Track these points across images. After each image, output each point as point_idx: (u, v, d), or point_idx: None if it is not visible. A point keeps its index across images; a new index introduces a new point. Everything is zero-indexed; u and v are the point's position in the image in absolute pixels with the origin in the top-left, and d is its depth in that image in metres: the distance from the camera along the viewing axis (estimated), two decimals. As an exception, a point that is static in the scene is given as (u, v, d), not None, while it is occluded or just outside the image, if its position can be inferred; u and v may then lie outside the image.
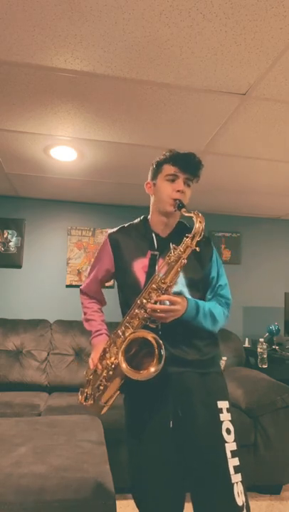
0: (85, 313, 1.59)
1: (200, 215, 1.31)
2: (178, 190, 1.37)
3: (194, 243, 1.29)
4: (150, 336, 1.21)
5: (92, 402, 1.37)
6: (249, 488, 2.38)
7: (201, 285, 1.43)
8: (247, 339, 3.70)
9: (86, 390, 1.41)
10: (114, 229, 1.54)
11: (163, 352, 1.19)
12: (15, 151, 2.56)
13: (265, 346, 3.23)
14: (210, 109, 1.98)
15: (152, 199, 1.49)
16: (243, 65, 1.63)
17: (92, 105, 1.98)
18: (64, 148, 2.50)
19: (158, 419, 1.30)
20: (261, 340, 3.27)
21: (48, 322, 3.23)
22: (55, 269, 3.59)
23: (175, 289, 1.33)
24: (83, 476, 1.38)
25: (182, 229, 1.42)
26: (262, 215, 4.03)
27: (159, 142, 2.35)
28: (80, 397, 1.42)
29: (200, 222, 1.30)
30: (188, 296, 1.36)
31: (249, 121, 2.09)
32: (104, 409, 1.35)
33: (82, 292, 1.64)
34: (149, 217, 1.51)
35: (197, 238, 1.29)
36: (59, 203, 3.66)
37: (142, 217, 1.54)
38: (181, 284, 1.36)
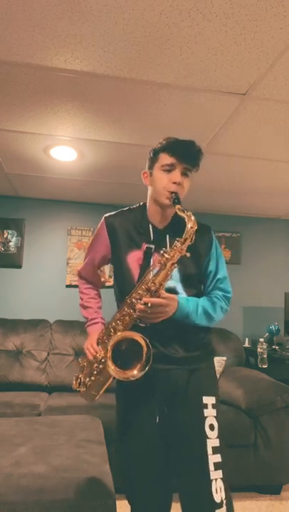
0: (81, 299, 1.57)
1: (192, 217, 1.23)
2: (174, 182, 1.30)
3: (184, 248, 1.23)
4: (142, 341, 1.19)
5: (84, 389, 1.40)
6: (249, 488, 2.39)
7: (197, 280, 1.39)
8: (247, 339, 3.70)
9: (80, 376, 1.43)
10: (112, 212, 1.47)
11: (150, 359, 1.18)
12: (15, 151, 2.56)
13: (265, 346, 3.23)
14: (210, 109, 1.98)
15: (149, 189, 1.42)
16: (243, 65, 1.63)
17: (92, 105, 1.98)
18: (64, 148, 2.50)
19: (145, 416, 1.31)
20: (261, 340, 3.27)
21: (48, 322, 3.23)
22: (55, 269, 3.59)
23: (169, 284, 1.31)
24: (83, 476, 1.38)
25: (180, 220, 1.31)
26: (262, 215, 4.02)
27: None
28: (74, 382, 1.44)
29: (192, 225, 1.22)
30: (181, 291, 1.33)
31: (249, 121, 2.09)
32: (97, 398, 1.37)
33: (79, 275, 1.60)
34: (147, 206, 1.45)
35: (188, 243, 1.23)
36: (59, 203, 3.66)
37: (141, 204, 1.48)
38: (174, 280, 1.33)
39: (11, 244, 3.54)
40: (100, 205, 3.72)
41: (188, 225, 1.23)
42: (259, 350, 3.22)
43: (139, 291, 1.26)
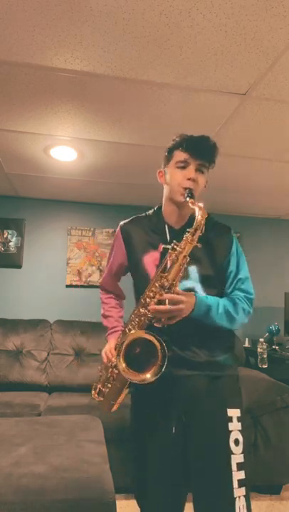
0: (103, 309, 1.56)
1: (202, 208, 1.21)
2: (189, 178, 1.27)
3: (195, 239, 1.19)
4: (155, 340, 1.13)
5: (102, 398, 1.35)
6: (249, 488, 2.39)
7: (217, 280, 1.32)
8: (247, 339, 3.70)
9: (99, 385, 1.38)
10: (127, 219, 1.46)
11: (165, 361, 1.12)
12: (15, 151, 2.56)
13: (265, 346, 3.23)
14: (210, 109, 1.98)
15: (164, 189, 1.40)
16: (243, 65, 1.63)
17: (92, 105, 1.98)
18: (64, 148, 2.50)
19: (161, 423, 1.25)
20: (261, 340, 3.27)
21: (48, 322, 3.23)
22: (55, 269, 3.59)
23: (187, 285, 1.26)
24: (83, 476, 1.38)
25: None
26: (262, 215, 4.02)
27: (159, 142, 2.35)
28: (93, 391, 1.40)
29: (201, 215, 1.19)
30: (201, 293, 1.27)
31: (249, 121, 2.09)
32: (114, 407, 1.32)
33: (101, 287, 1.60)
34: (162, 207, 1.42)
35: (198, 233, 1.19)
36: (59, 203, 3.66)
37: (156, 207, 1.45)
38: (194, 280, 1.27)
39: (11, 244, 3.54)
40: (100, 205, 3.72)
41: (198, 216, 1.20)
42: (259, 350, 3.21)
43: (153, 289, 1.21)
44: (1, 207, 3.58)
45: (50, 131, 2.27)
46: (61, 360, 3.02)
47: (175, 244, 1.20)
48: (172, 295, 1.17)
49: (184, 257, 1.19)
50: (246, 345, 3.63)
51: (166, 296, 1.17)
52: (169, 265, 1.21)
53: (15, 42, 1.54)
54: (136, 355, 1.18)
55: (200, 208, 1.21)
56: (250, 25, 1.42)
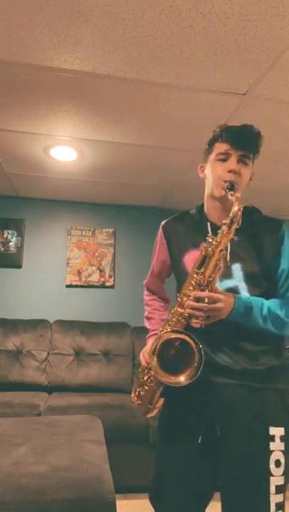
0: (146, 311, 1.50)
1: (239, 198, 1.11)
2: (230, 170, 1.17)
3: (232, 231, 1.09)
4: (191, 341, 1.06)
5: (140, 401, 1.29)
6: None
7: (263, 278, 1.19)
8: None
9: (138, 389, 1.32)
10: (169, 218, 1.39)
11: (202, 363, 1.04)
12: (15, 151, 2.56)
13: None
14: (210, 109, 1.98)
15: (205, 184, 1.30)
16: (243, 65, 1.63)
17: (92, 105, 1.98)
18: (64, 148, 2.50)
19: (187, 430, 1.16)
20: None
21: (48, 322, 3.23)
22: (55, 269, 3.59)
23: (229, 284, 1.17)
24: (83, 476, 1.37)
25: (244, 215, 1.14)
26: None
27: (159, 142, 2.35)
28: (133, 394, 1.34)
29: (238, 207, 1.09)
30: (245, 292, 1.16)
31: (249, 121, 2.08)
32: (153, 412, 1.26)
33: (145, 287, 1.54)
34: (204, 204, 1.33)
35: (235, 225, 1.09)
36: (59, 203, 3.66)
37: (199, 205, 1.35)
38: (237, 279, 1.17)
39: (11, 244, 3.54)
40: (100, 205, 3.72)
41: (235, 207, 1.10)
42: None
43: (189, 287, 1.13)
44: (1, 207, 3.58)
45: (50, 131, 2.27)
46: (61, 360, 3.02)
47: (211, 238, 1.11)
48: (209, 293, 1.08)
49: (221, 251, 1.10)
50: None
51: (203, 294, 1.08)
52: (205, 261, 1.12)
53: (15, 42, 1.54)
54: (171, 357, 1.11)
55: (237, 198, 1.11)
56: (250, 25, 1.42)
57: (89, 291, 3.58)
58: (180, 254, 1.28)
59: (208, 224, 1.25)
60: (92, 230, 3.68)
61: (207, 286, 1.09)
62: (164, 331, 1.15)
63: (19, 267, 3.54)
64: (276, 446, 1.07)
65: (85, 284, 3.58)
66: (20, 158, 2.67)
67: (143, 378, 1.29)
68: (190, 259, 1.23)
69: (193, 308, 1.08)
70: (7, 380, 2.86)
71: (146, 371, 1.27)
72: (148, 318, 1.48)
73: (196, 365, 1.05)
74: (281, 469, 1.06)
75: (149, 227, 3.73)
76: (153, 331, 1.43)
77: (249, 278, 1.17)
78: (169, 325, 1.17)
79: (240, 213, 1.09)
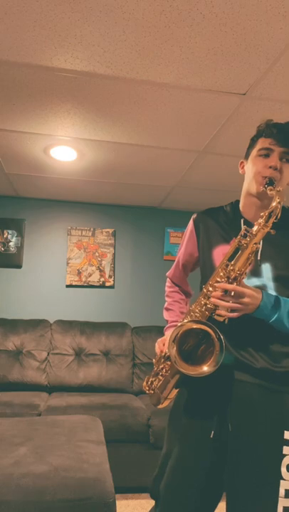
0: (166, 302, 1.48)
1: (281, 193, 1.07)
2: (270, 166, 1.14)
3: (270, 224, 1.05)
4: (209, 329, 1.04)
5: (152, 392, 1.27)
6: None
7: None
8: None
9: (151, 379, 1.30)
10: (201, 211, 1.36)
11: (223, 351, 1.03)
12: (15, 151, 2.56)
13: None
14: (210, 109, 1.98)
15: (244, 180, 1.27)
16: (243, 65, 1.63)
17: (92, 105, 1.98)
18: (64, 148, 2.50)
19: (200, 424, 1.15)
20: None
21: (48, 322, 3.23)
22: (55, 269, 3.59)
23: (257, 282, 1.14)
24: (83, 476, 1.38)
25: (282, 214, 1.09)
26: (262, 215, 4.02)
27: (158, 142, 2.35)
28: (145, 383, 1.32)
29: (279, 200, 1.06)
30: (272, 292, 1.12)
31: (249, 121, 2.09)
32: (164, 403, 1.23)
33: (168, 279, 1.51)
34: (240, 200, 1.30)
35: (273, 219, 1.05)
36: (59, 203, 3.66)
37: (233, 201, 1.33)
38: (266, 278, 1.14)
39: (11, 244, 3.54)
40: (100, 205, 3.72)
41: (275, 201, 1.06)
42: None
43: (217, 279, 1.10)
44: (1, 207, 3.58)
45: (50, 131, 2.27)
46: (61, 360, 3.02)
47: (246, 230, 1.08)
48: (236, 286, 1.05)
49: (255, 244, 1.06)
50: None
51: (230, 286, 1.05)
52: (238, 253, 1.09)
53: (15, 42, 1.54)
54: (190, 348, 1.10)
55: (278, 192, 1.07)
56: (250, 25, 1.42)
57: (89, 291, 3.59)
58: (210, 248, 1.25)
59: (242, 221, 1.22)
60: (92, 230, 3.68)
61: (235, 279, 1.06)
62: (186, 320, 1.12)
63: (19, 267, 3.54)
64: None
65: (85, 284, 3.58)
66: (21, 158, 2.67)
67: (158, 367, 1.26)
68: (219, 253, 1.20)
69: (218, 301, 1.06)
70: (7, 380, 2.87)
71: (162, 360, 1.24)
72: (167, 310, 1.46)
73: (217, 352, 1.02)
74: None
75: (149, 227, 3.74)
76: (171, 322, 1.40)
77: (278, 278, 1.14)
78: (191, 316, 1.14)
79: (280, 207, 1.06)
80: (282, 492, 1.03)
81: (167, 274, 1.52)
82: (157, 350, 1.29)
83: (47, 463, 1.44)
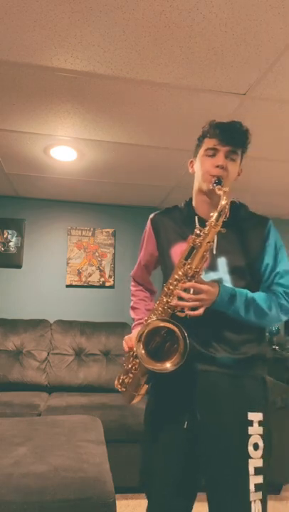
0: (132, 301, 1.55)
1: (227, 192, 1.16)
2: (217, 166, 1.21)
3: (220, 223, 1.13)
4: (175, 327, 1.11)
5: (124, 389, 1.33)
6: (249, 488, 2.39)
7: (248, 272, 1.24)
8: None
9: (122, 377, 1.36)
10: (158, 211, 1.44)
11: (187, 349, 1.09)
12: (15, 151, 2.56)
13: (265, 346, 3.22)
14: (210, 109, 1.98)
15: (195, 179, 1.34)
16: (243, 65, 1.63)
17: (92, 105, 1.98)
18: (64, 148, 2.50)
19: (173, 417, 1.21)
20: (261, 340, 3.26)
21: (48, 322, 3.23)
22: (55, 269, 3.59)
23: (214, 276, 1.21)
24: (83, 476, 1.37)
25: (232, 210, 1.20)
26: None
27: (159, 142, 2.35)
28: (117, 382, 1.39)
29: (225, 200, 1.13)
30: (229, 284, 1.21)
31: (249, 121, 2.08)
32: (136, 399, 1.30)
33: (132, 278, 1.59)
34: (192, 198, 1.38)
35: (222, 218, 1.13)
36: (59, 203, 3.66)
37: (188, 199, 1.40)
38: (222, 271, 1.22)
39: (11, 244, 3.54)
40: (100, 205, 3.72)
41: (223, 201, 1.14)
42: (259, 350, 3.21)
43: (176, 277, 1.17)
44: (1, 207, 3.58)
45: (50, 131, 2.27)
46: (61, 360, 3.02)
47: (198, 229, 1.15)
48: (194, 283, 1.13)
49: (208, 242, 1.14)
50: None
51: (188, 284, 1.13)
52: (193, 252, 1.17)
53: (15, 42, 1.54)
54: (157, 345, 1.15)
55: (224, 192, 1.15)
56: (250, 25, 1.42)
57: (89, 291, 3.59)
58: (168, 247, 1.32)
59: (196, 218, 1.30)
60: (92, 230, 3.68)
61: (193, 277, 1.14)
62: (150, 319, 1.18)
63: (19, 267, 3.54)
64: (254, 430, 1.13)
65: (85, 284, 3.58)
66: (21, 158, 2.67)
67: (127, 366, 1.32)
68: (177, 251, 1.27)
69: (179, 298, 1.13)
70: (7, 380, 2.86)
71: (131, 359, 1.30)
72: (133, 308, 1.53)
73: (181, 351, 1.09)
74: (260, 452, 1.12)
75: (149, 227, 3.74)
76: (138, 320, 1.46)
77: (234, 270, 1.23)
78: (155, 314, 1.20)
79: (227, 207, 1.14)
80: (251, 470, 1.10)
81: (131, 274, 1.59)
82: (125, 347, 1.34)
83: (47, 463, 1.44)
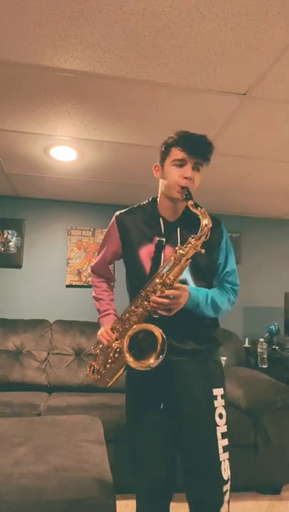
0: (94, 292, 1.63)
1: (206, 214, 1.28)
2: (186, 177, 1.32)
3: (199, 244, 1.27)
4: (158, 332, 1.24)
5: (99, 376, 1.45)
6: (249, 488, 2.39)
7: (207, 272, 1.42)
8: (247, 339, 3.70)
9: (93, 364, 1.48)
10: (123, 210, 1.51)
11: (165, 349, 1.22)
12: (15, 151, 2.56)
13: (265, 346, 3.23)
14: (210, 109, 1.98)
15: (160, 183, 1.44)
16: (243, 65, 1.63)
17: (92, 105, 1.98)
18: (64, 148, 2.50)
19: (151, 402, 1.37)
20: (261, 340, 3.27)
21: (48, 322, 3.23)
22: (55, 269, 3.59)
23: (180, 276, 1.34)
24: (83, 476, 1.38)
25: (192, 213, 1.32)
26: (262, 215, 4.02)
27: (158, 142, 2.34)
28: (88, 370, 1.50)
29: (206, 223, 1.26)
30: (192, 284, 1.36)
31: (249, 121, 2.09)
32: (110, 383, 1.41)
33: (92, 270, 1.67)
34: (158, 200, 1.48)
35: (203, 239, 1.27)
36: (59, 203, 3.66)
37: (150, 199, 1.51)
38: (185, 271, 1.34)
39: (11, 244, 3.54)
40: (100, 205, 3.72)
41: (204, 222, 1.26)
42: (259, 350, 3.22)
43: (153, 285, 1.29)
44: (1, 207, 3.58)
45: (50, 131, 2.27)
46: (61, 360, 3.02)
47: (180, 248, 1.28)
48: (174, 291, 1.26)
49: (187, 260, 1.27)
50: (246, 345, 3.63)
51: (169, 292, 1.25)
52: (171, 263, 1.29)
53: (15, 42, 1.54)
54: (135, 342, 1.27)
55: (203, 214, 1.27)
56: (250, 25, 1.42)
57: (89, 291, 3.56)
58: (135, 248, 1.41)
59: (161, 219, 1.42)
60: (92, 230, 3.68)
61: (170, 285, 1.27)
62: (129, 321, 1.35)
63: (19, 267, 3.54)
64: (218, 403, 1.35)
65: (85, 284, 3.58)
66: (21, 158, 2.67)
67: (104, 359, 1.43)
68: (145, 252, 1.39)
69: (158, 304, 1.26)
70: (7, 380, 2.86)
71: (110, 354, 1.40)
72: (97, 299, 1.61)
73: (160, 348, 1.23)
74: (224, 420, 1.34)
75: (149, 227, 3.74)
76: (104, 311, 1.55)
77: (195, 271, 1.37)
78: (131, 314, 1.35)
79: (208, 228, 1.27)
80: (219, 435, 1.32)
81: (92, 267, 1.67)
82: (103, 341, 1.43)
83: (47, 463, 1.44)
